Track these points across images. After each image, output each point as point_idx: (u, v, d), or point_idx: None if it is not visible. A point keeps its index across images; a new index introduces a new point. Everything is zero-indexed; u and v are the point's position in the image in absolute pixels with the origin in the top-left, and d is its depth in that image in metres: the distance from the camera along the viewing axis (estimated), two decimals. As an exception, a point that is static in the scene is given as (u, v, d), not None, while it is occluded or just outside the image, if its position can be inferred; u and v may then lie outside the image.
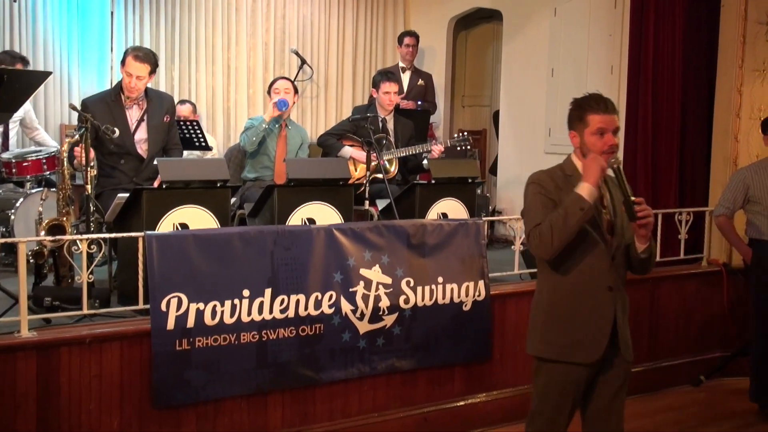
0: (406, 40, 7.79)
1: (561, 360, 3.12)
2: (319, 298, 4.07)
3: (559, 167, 3.17)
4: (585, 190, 2.94)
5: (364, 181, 5.28)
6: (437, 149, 5.81)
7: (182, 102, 7.06)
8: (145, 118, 5.04)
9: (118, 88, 5.05)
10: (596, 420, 3.20)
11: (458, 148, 5.92)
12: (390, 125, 6.08)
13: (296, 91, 5.83)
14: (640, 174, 5.63)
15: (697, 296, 5.55)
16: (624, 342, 3.14)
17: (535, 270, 4.99)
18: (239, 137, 5.75)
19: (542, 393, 3.20)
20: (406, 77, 7.70)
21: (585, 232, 3.01)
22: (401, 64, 7.81)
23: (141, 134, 5.05)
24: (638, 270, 3.19)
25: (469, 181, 5.30)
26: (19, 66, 5.84)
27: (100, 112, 4.83)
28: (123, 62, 4.93)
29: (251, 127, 5.57)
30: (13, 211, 5.16)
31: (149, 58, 4.95)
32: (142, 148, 5.05)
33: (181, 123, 6.09)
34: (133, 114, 5.03)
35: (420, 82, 7.70)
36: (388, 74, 6.20)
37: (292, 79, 6.17)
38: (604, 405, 3.18)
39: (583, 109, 3.07)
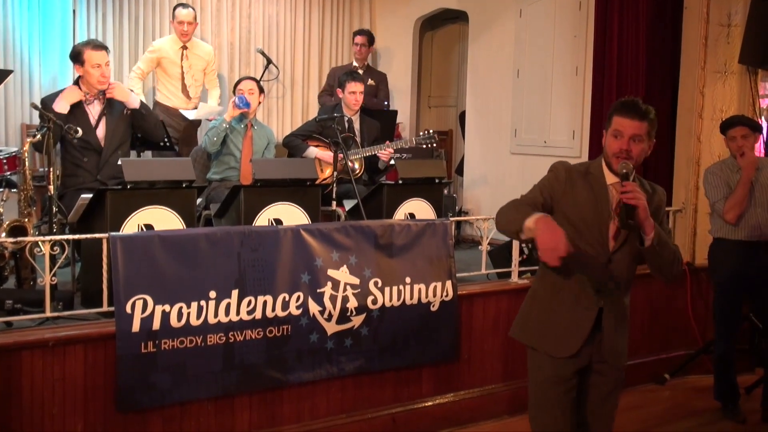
0: (357, 39, 7.81)
1: (533, 347, 3.14)
2: (287, 299, 4.05)
3: (586, 163, 3.14)
4: (530, 223, 2.82)
5: (331, 182, 5.26)
6: (385, 154, 5.82)
7: (184, 6, 7.01)
8: (105, 112, 4.99)
9: (76, 84, 4.99)
10: (583, 424, 3.20)
11: (424, 146, 5.93)
12: (356, 125, 6.08)
13: (262, 91, 5.80)
14: (605, 174, 5.68)
15: (661, 295, 5.61)
16: (610, 348, 3.08)
17: (501, 270, 5.08)
18: (202, 138, 5.69)
19: (532, 386, 3.20)
20: None
21: (584, 230, 3.00)
22: (354, 63, 7.82)
23: (102, 129, 4.99)
24: (653, 269, 3.07)
25: (436, 181, 5.31)
26: None
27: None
28: (80, 60, 4.88)
29: (214, 128, 5.53)
30: (-28, 212, 5.05)
31: (104, 45, 5.01)
32: (102, 141, 4.99)
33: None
34: (93, 110, 4.97)
35: (370, 81, 7.70)
36: (354, 74, 6.20)
37: (258, 79, 6.13)
38: (593, 409, 3.18)
39: (613, 109, 3.03)
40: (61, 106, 4.80)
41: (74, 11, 7.20)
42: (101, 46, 4.94)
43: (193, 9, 7.07)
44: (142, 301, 3.66)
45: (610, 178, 3.04)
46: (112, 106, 5.03)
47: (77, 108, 4.90)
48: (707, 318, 5.52)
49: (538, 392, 3.17)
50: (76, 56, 4.90)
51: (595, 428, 3.20)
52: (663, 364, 5.56)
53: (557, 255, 2.75)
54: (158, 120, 5.34)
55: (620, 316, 3.12)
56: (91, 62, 4.86)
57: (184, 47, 6.97)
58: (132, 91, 5.52)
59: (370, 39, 7.88)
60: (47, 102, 4.87)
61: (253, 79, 5.88)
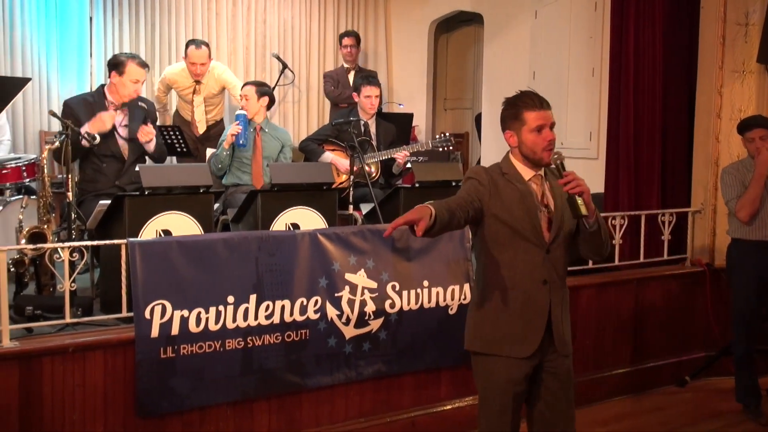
0: (345, 40, 7.84)
1: (494, 353, 3.08)
2: (305, 303, 4.05)
3: (497, 165, 3.15)
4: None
5: (348, 186, 5.27)
6: (401, 155, 5.81)
7: (197, 44, 6.70)
8: (128, 121, 5.04)
9: (101, 90, 5.04)
10: (541, 422, 3.16)
11: (441, 149, 5.92)
12: (372, 129, 6.08)
13: (264, 94, 5.71)
14: (622, 176, 5.65)
15: (680, 297, 5.57)
16: (559, 337, 3.08)
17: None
18: (212, 157, 5.71)
19: (482, 390, 3.16)
20: (351, 77, 7.73)
21: (518, 227, 3.01)
22: (345, 65, 7.82)
23: (124, 135, 5.03)
24: (591, 250, 3.10)
25: (453, 184, 5.30)
26: None
27: (84, 113, 4.87)
28: (121, 71, 4.95)
29: (215, 157, 5.56)
30: (-8, 218, 5.09)
31: (148, 64, 5.15)
32: (124, 150, 5.03)
33: (163, 129, 6.06)
34: (117, 118, 5.01)
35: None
36: (369, 78, 6.21)
37: (262, 83, 6.09)
38: (548, 405, 3.14)
39: (518, 107, 3.07)
40: (96, 128, 4.84)
41: (91, 18, 7.26)
42: (145, 65, 5.06)
43: (207, 46, 6.77)
44: (160, 306, 3.68)
45: (526, 174, 3.08)
46: (134, 117, 5.08)
47: (100, 111, 4.95)
48: (727, 319, 5.47)
49: (489, 397, 3.12)
50: (118, 65, 4.97)
51: (559, 428, 3.14)
52: (683, 366, 5.52)
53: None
54: (164, 155, 5.44)
55: (564, 304, 3.13)
56: (132, 77, 4.96)
57: (197, 81, 6.79)
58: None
59: (358, 39, 7.90)
60: (70, 104, 4.93)
61: (254, 83, 5.85)
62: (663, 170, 5.71)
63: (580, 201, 2.90)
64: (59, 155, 4.34)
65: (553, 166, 3.04)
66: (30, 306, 3.86)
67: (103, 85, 5.11)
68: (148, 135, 5.00)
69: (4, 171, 5.45)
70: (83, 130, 4.78)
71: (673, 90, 5.71)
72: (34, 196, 4.99)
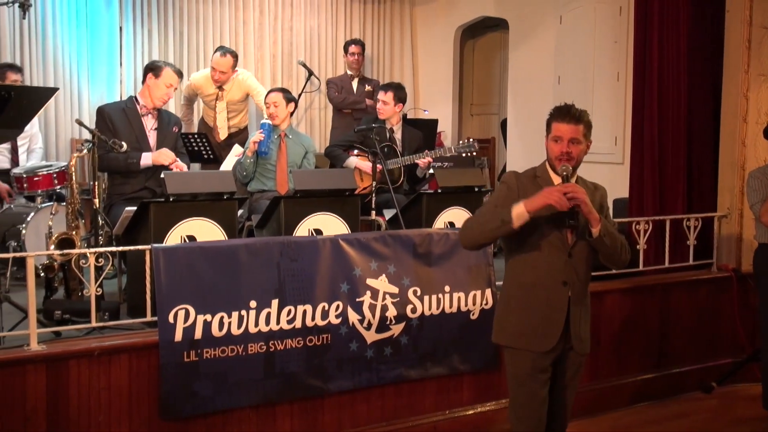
0: (351, 48, 7.88)
1: (515, 346, 3.31)
2: (326, 308, 4.09)
3: (533, 168, 3.36)
4: (517, 209, 3.10)
5: (371, 191, 5.30)
6: (423, 162, 5.82)
7: (222, 52, 6.76)
8: (157, 126, 5.16)
9: (132, 99, 5.19)
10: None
11: (464, 155, 5.92)
12: (398, 135, 6.10)
13: (290, 100, 5.78)
14: (647, 180, 5.62)
15: (707, 302, 5.52)
16: (576, 336, 3.29)
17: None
18: (236, 164, 5.78)
19: (511, 381, 3.37)
20: (354, 84, 7.79)
21: (544, 230, 3.20)
22: (349, 72, 7.87)
23: (153, 140, 5.16)
24: (602, 258, 3.30)
25: (475, 189, 5.32)
26: (11, 76, 5.93)
27: (117, 118, 5.02)
28: (157, 74, 5.10)
29: (240, 164, 5.64)
30: (24, 225, 5.21)
31: (181, 72, 5.34)
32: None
33: (191, 136, 6.15)
34: (148, 122, 5.13)
35: (368, 87, 7.77)
36: (383, 85, 6.26)
37: (297, 91, 6.16)
38: (554, 394, 3.37)
39: (551, 116, 3.27)
40: (147, 162, 5.01)
41: (121, 28, 7.38)
42: (180, 73, 5.27)
43: (233, 55, 6.81)
44: (184, 311, 3.74)
45: (556, 180, 3.25)
46: (163, 122, 5.19)
47: (133, 116, 5.07)
48: (754, 325, 5.42)
49: (519, 388, 3.33)
50: (155, 68, 5.14)
51: (550, 415, 3.37)
52: (710, 372, 5.47)
53: (558, 195, 3.03)
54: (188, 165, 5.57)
55: (584, 306, 3.35)
56: (167, 81, 5.11)
57: (220, 88, 6.89)
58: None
59: (364, 48, 7.97)
60: (105, 109, 5.04)
61: (281, 90, 5.90)
62: (688, 174, 5.67)
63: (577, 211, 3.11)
64: (94, 162, 4.47)
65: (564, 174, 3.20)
66: (59, 310, 3.94)
67: (132, 96, 5.22)
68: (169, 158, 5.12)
69: (35, 178, 5.59)
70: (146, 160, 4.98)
71: (698, 94, 5.67)
72: (64, 203, 5.10)
